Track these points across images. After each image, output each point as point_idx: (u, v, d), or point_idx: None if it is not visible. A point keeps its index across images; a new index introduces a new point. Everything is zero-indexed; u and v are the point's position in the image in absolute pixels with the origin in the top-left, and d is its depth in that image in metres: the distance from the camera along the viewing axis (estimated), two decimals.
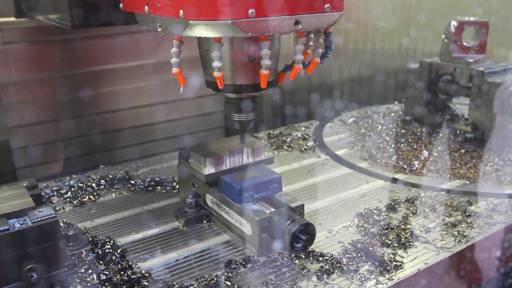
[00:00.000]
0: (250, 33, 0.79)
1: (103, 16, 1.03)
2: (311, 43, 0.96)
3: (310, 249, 1.00)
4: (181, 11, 0.80)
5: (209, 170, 1.09)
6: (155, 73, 1.55)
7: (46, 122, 1.42)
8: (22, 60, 1.34)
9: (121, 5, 1.00)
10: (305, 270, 0.95)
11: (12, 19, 1.31)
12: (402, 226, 1.10)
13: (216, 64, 0.84)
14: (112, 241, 1.04)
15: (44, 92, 1.40)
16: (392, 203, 1.21)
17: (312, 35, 0.95)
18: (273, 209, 1.01)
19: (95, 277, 0.92)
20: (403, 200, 1.23)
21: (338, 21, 0.90)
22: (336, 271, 0.95)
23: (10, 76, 1.33)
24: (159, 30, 0.88)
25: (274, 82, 1.00)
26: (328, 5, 0.86)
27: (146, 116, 1.59)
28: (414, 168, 1.41)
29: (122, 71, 1.50)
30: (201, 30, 0.79)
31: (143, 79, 1.54)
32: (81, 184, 1.31)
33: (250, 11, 0.77)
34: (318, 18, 0.86)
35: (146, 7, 0.90)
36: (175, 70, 0.91)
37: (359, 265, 0.97)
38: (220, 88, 0.89)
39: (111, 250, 1.00)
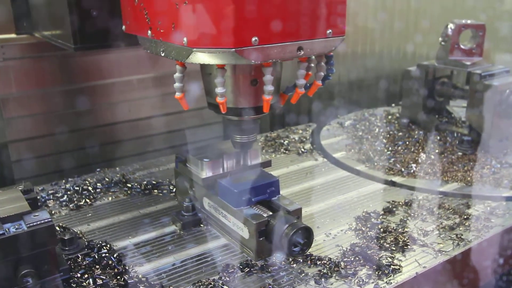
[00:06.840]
0: (253, 61, 0.79)
1: (105, 37, 1.02)
2: (313, 65, 0.96)
3: (308, 253, 1.00)
4: (185, 39, 0.79)
5: (206, 173, 1.09)
6: (154, 86, 1.60)
7: (46, 135, 1.45)
8: (22, 76, 1.38)
9: (123, 27, 0.99)
10: (303, 274, 0.95)
11: (13, 35, 1.34)
12: (400, 230, 1.10)
13: (219, 90, 0.84)
14: (108, 245, 1.03)
15: (44, 106, 1.43)
16: (390, 206, 1.20)
17: (314, 58, 0.94)
18: (271, 213, 1.00)
19: (91, 282, 0.91)
20: (400, 203, 1.22)
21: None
22: (334, 275, 0.95)
23: (10, 91, 1.37)
24: (162, 54, 0.87)
25: (276, 105, 0.99)
26: (330, 30, 0.87)
27: (145, 127, 1.62)
28: (412, 170, 1.40)
29: (121, 84, 1.54)
30: (205, 57, 0.79)
31: (142, 92, 1.58)
32: (77, 188, 1.30)
33: (253, 39, 0.77)
34: (320, 43, 0.86)
35: (149, 32, 0.88)
36: (178, 95, 0.90)
37: (357, 268, 0.96)
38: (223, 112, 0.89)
39: (107, 254, 1.00)
